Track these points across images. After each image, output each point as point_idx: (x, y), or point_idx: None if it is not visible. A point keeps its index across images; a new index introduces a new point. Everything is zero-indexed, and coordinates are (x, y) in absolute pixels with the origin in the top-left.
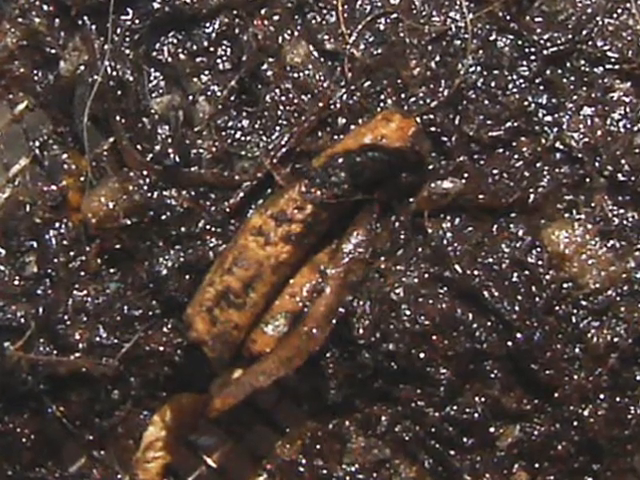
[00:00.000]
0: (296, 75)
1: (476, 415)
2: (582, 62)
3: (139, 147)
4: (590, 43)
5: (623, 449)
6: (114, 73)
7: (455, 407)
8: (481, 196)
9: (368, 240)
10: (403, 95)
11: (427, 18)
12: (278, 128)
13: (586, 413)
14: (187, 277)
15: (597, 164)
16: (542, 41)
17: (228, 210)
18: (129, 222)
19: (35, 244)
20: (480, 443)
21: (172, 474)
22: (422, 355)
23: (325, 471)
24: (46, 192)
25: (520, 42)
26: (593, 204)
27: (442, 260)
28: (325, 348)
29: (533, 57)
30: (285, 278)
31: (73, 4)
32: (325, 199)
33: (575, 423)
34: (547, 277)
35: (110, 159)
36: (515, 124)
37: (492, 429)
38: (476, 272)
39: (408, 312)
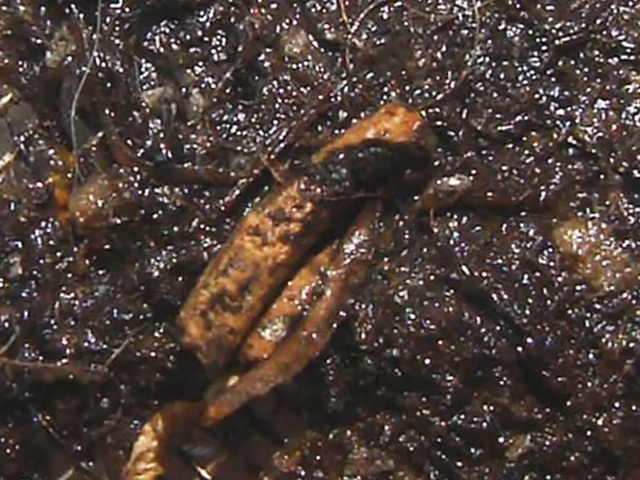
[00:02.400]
0: (295, 66)
1: (484, 424)
2: (596, 53)
3: (129, 142)
4: (604, 33)
5: (639, 460)
6: (103, 64)
7: (462, 416)
8: (490, 194)
9: (371, 240)
10: (407, 87)
11: (433, 6)
12: (276, 122)
13: (600, 422)
14: (180, 279)
15: (612, 160)
16: (554, 30)
17: (223, 208)
18: (119, 221)
19: (20, 244)
20: (489, 454)
21: None
22: (427, 361)
23: None
24: (31, 189)
25: (531, 32)
26: (607, 202)
27: (448, 261)
28: (325, 354)
29: (544, 47)
30: (283, 280)
31: None
32: (325, 197)
33: (589, 433)
34: (559, 279)
35: (99, 155)
36: (525, 118)
37: (501, 439)
38: (484, 274)
39: (413, 316)
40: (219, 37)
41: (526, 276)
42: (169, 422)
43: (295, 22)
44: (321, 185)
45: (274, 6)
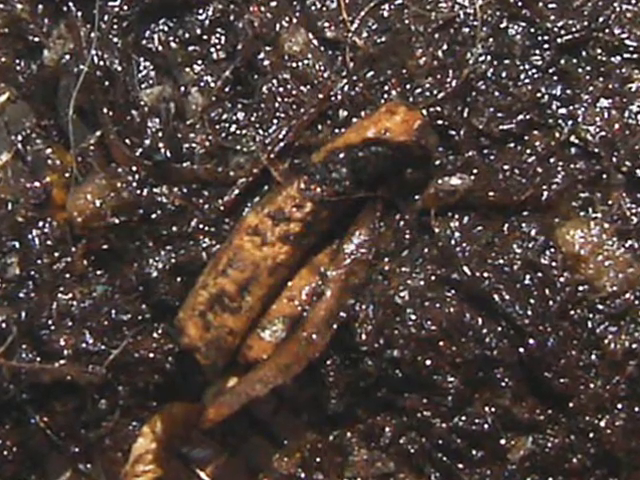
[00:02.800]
0: (295, 65)
1: (486, 426)
2: (598, 51)
3: (128, 141)
4: (607, 31)
5: None
6: (101, 63)
7: (464, 417)
8: (491, 193)
9: (371, 240)
10: (408, 86)
11: (434, 4)
12: (276, 121)
13: (603, 424)
14: (179, 279)
15: (614, 159)
16: (556, 29)
17: (222, 208)
18: (117, 221)
19: (17, 244)
20: (490, 456)
21: None
22: (428, 362)
23: None
24: (29, 189)
25: (533, 30)
26: (610, 202)
27: (450, 261)
28: (325, 355)
29: (546, 46)
30: (283, 280)
31: None
32: (325, 197)
33: (591, 434)
34: (561, 279)
35: (97, 154)
36: (527, 117)
37: (503, 441)
38: (486, 274)
39: (413, 317)
40: (218, 35)
41: (528, 276)
42: (168, 424)
43: (295, 20)
44: (321, 185)
45: (274, 4)
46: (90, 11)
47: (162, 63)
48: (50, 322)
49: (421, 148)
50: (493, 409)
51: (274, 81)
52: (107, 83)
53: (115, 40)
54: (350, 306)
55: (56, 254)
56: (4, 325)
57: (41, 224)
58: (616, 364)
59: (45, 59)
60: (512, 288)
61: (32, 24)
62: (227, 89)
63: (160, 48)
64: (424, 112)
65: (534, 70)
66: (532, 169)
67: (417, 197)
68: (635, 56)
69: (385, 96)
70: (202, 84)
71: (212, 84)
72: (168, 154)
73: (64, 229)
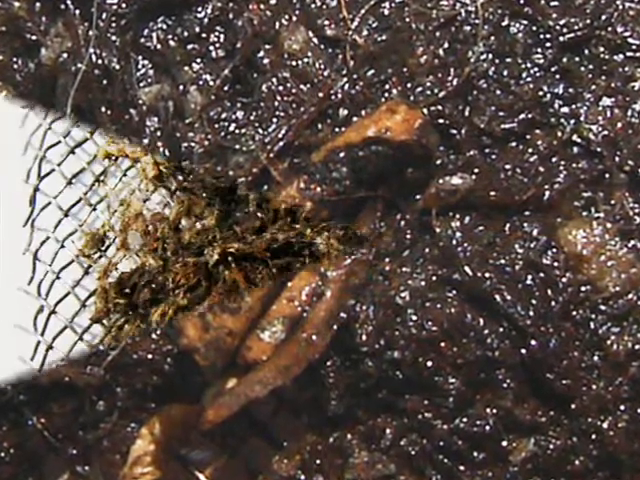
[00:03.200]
0: (294, 63)
1: (487, 428)
2: (601, 49)
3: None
4: (609, 29)
5: None
6: (99, 61)
7: (465, 419)
8: (493, 193)
9: (371, 240)
10: (409, 85)
11: (435, 2)
12: (275, 120)
13: (605, 425)
14: None
15: (617, 158)
16: (558, 27)
17: None
18: None
19: None
20: (492, 458)
21: None
22: (429, 363)
23: None
24: None
25: (534, 28)
26: (613, 201)
27: (451, 262)
28: (325, 356)
29: (548, 44)
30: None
31: None
32: (325, 196)
33: (593, 436)
34: (563, 280)
35: None
36: (529, 116)
37: (504, 443)
38: (487, 274)
39: (414, 317)
40: (217, 34)
41: (530, 277)
42: (166, 425)
43: (295, 18)
44: (321, 184)
45: (273, 2)
46: (88, 9)
47: (161, 61)
48: None
49: (422, 147)
50: (495, 410)
51: (274, 80)
52: (105, 82)
53: (113, 38)
54: (350, 307)
55: None
56: None
57: None
58: (619, 365)
59: (43, 57)
60: (514, 288)
61: (29, 22)
62: (226, 88)
63: (159, 46)
64: (425, 111)
65: (536, 68)
66: (534, 168)
67: (418, 197)
68: (638, 54)
69: (386, 95)
70: (201, 83)
71: (211, 83)
72: (167, 153)
73: None
